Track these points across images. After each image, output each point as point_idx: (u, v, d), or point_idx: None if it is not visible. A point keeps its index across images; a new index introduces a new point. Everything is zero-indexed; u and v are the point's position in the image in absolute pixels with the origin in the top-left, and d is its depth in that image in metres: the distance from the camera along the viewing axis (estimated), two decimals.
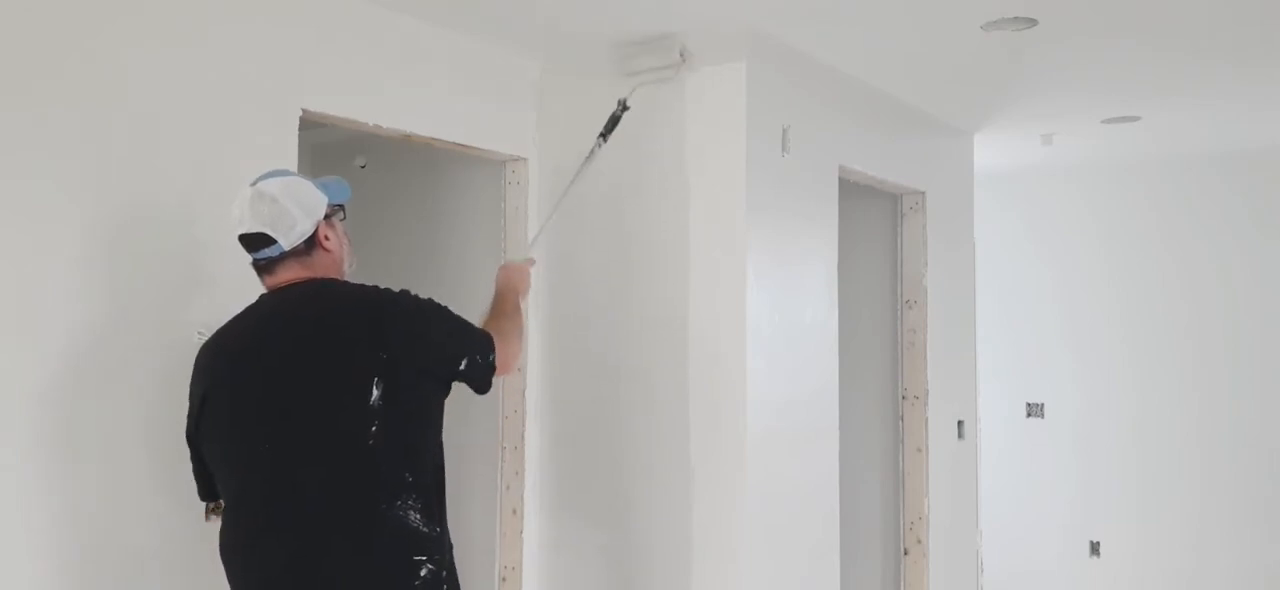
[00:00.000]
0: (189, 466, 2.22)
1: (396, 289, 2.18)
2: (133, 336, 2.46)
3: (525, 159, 3.62)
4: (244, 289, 2.70)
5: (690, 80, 3.36)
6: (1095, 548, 5.78)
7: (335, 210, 2.22)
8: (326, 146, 4.24)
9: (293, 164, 2.82)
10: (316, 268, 2.15)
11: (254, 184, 2.11)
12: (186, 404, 2.16)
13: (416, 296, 2.19)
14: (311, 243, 2.13)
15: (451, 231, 4.07)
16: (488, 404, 3.66)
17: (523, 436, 3.59)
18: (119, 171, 2.43)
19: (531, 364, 3.62)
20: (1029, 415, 6.00)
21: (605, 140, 3.16)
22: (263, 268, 2.15)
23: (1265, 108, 4.46)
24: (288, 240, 2.09)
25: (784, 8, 3.12)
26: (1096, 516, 5.78)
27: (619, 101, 3.14)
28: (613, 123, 3.16)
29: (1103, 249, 5.80)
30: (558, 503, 3.61)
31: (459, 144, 3.38)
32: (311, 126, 2.92)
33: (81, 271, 2.36)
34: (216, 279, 2.61)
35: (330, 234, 2.18)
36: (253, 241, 2.11)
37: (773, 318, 3.37)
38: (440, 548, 2.07)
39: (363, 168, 4.36)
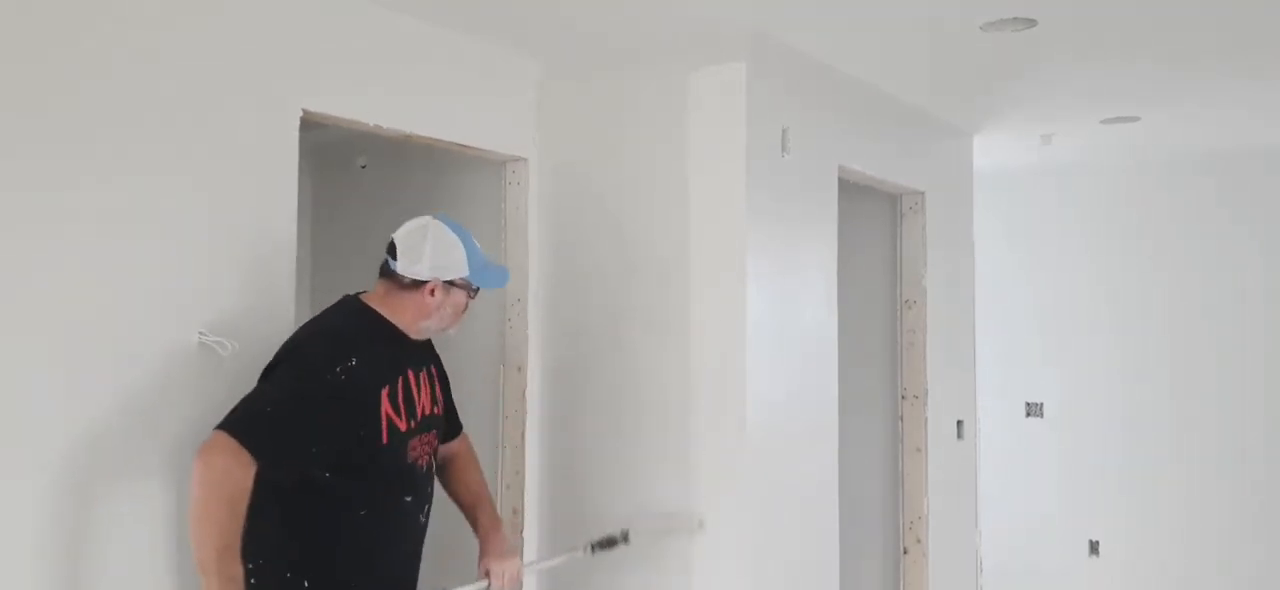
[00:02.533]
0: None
1: (302, 353, 2.35)
2: (131, 338, 2.45)
3: (525, 159, 3.62)
4: (247, 292, 2.71)
5: (690, 80, 3.36)
6: (1094, 547, 5.78)
7: (465, 286, 2.43)
8: (326, 146, 4.24)
9: (293, 164, 2.82)
10: (402, 301, 2.41)
11: (436, 216, 2.43)
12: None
13: (289, 366, 2.33)
14: (414, 283, 2.38)
15: None
16: (488, 404, 3.67)
17: (523, 437, 3.59)
18: (116, 171, 2.43)
19: (532, 365, 3.62)
20: (1028, 415, 6.00)
21: (592, 553, 3.04)
22: (380, 268, 2.45)
23: (1266, 109, 4.47)
24: (401, 267, 2.38)
25: (784, 8, 3.12)
26: (1095, 516, 5.78)
27: (623, 532, 3.10)
28: (608, 543, 3.07)
29: (1102, 249, 5.80)
30: (557, 503, 3.61)
31: (459, 144, 3.38)
32: (311, 126, 2.92)
33: (77, 272, 2.36)
34: (219, 280, 2.62)
35: (437, 293, 2.40)
36: (389, 246, 2.42)
37: (773, 318, 3.38)
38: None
39: (363, 168, 4.37)
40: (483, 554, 2.66)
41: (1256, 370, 5.38)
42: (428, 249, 2.38)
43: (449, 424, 2.69)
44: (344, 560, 2.33)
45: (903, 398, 4.49)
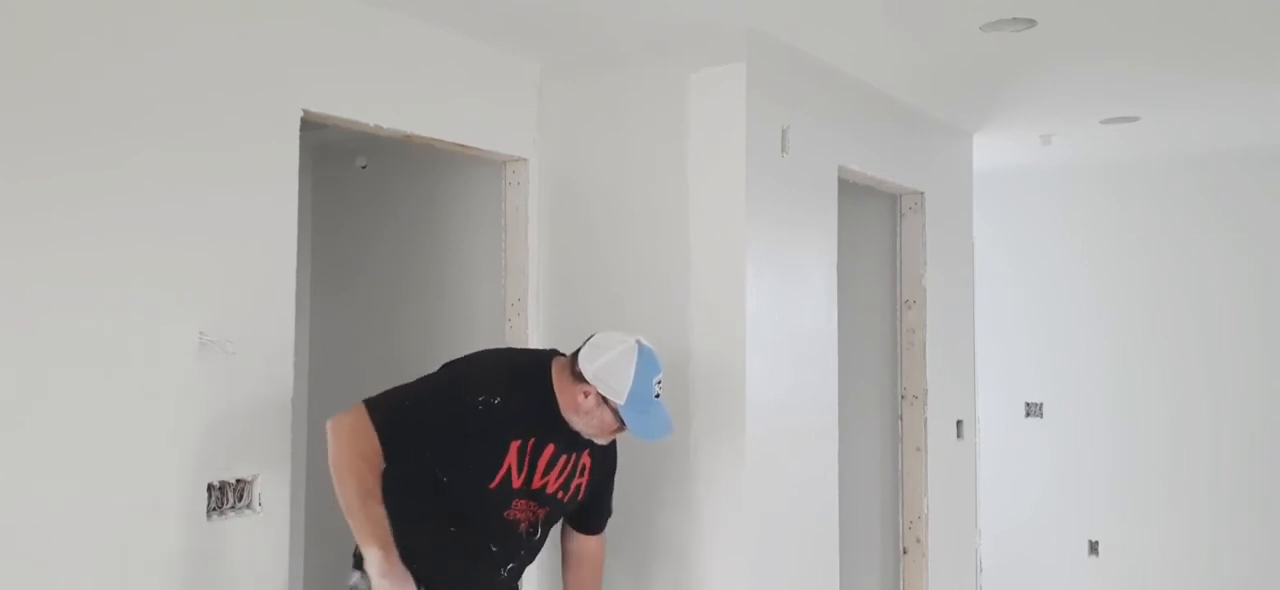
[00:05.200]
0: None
1: (465, 370, 2.52)
2: (132, 338, 2.45)
3: (525, 159, 3.62)
4: (248, 291, 2.71)
5: (690, 80, 3.36)
6: (1094, 547, 5.78)
7: (617, 415, 2.44)
8: (326, 146, 4.25)
9: (293, 164, 2.82)
10: (567, 385, 2.45)
11: (640, 341, 2.47)
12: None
13: (448, 376, 2.51)
14: (578, 377, 2.44)
15: (451, 231, 4.08)
16: None
17: None
18: (116, 171, 2.43)
19: None
20: (1028, 415, 6.00)
21: None
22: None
23: (1265, 109, 4.47)
24: (581, 357, 2.45)
25: (784, 8, 3.12)
26: (1095, 516, 5.79)
27: None
28: None
29: (1101, 249, 5.81)
30: None
31: (459, 144, 3.38)
32: (311, 126, 2.93)
33: (77, 273, 2.36)
34: (219, 279, 2.62)
35: (587, 398, 2.43)
36: (590, 336, 2.51)
37: (773, 318, 3.38)
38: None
39: (363, 168, 4.37)
40: None
41: (1257, 369, 5.38)
42: (606, 358, 2.42)
43: (591, 516, 2.72)
44: (421, 557, 2.38)
45: (903, 398, 4.49)
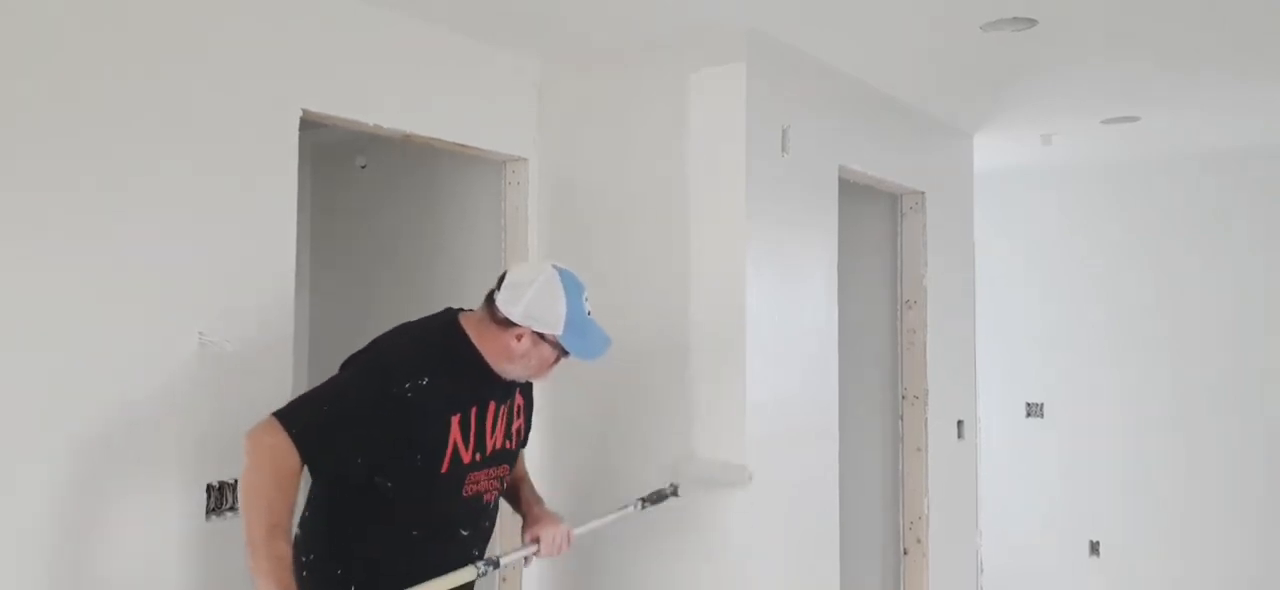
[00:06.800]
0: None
1: (376, 359, 2.31)
2: (132, 338, 2.45)
3: (525, 159, 3.62)
4: (247, 292, 2.71)
5: (690, 80, 3.36)
6: (1095, 547, 5.78)
7: (557, 346, 2.33)
8: (326, 146, 4.25)
9: (293, 164, 2.82)
10: (492, 335, 2.31)
11: (556, 266, 2.36)
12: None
13: (360, 370, 2.29)
14: (506, 323, 2.29)
15: (451, 231, 4.07)
16: None
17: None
18: (116, 172, 2.43)
19: None
20: (1029, 415, 6.00)
21: (643, 508, 2.95)
22: (487, 293, 2.37)
23: (1265, 109, 4.47)
24: (500, 301, 2.30)
25: (784, 8, 3.12)
26: (1095, 516, 5.78)
27: (672, 486, 3.04)
28: (658, 498, 3.00)
29: (1102, 249, 5.80)
30: (557, 505, 3.60)
31: (459, 144, 3.38)
32: (311, 126, 2.92)
33: (77, 273, 2.36)
34: (219, 280, 2.62)
35: (525, 340, 2.30)
36: (501, 275, 2.38)
37: (773, 318, 3.37)
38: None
39: (363, 168, 4.37)
40: (529, 522, 2.57)
41: (1256, 369, 5.37)
42: (530, 293, 2.28)
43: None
44: (389, 574, 2.26)
45: (903, 398, 4.49)
